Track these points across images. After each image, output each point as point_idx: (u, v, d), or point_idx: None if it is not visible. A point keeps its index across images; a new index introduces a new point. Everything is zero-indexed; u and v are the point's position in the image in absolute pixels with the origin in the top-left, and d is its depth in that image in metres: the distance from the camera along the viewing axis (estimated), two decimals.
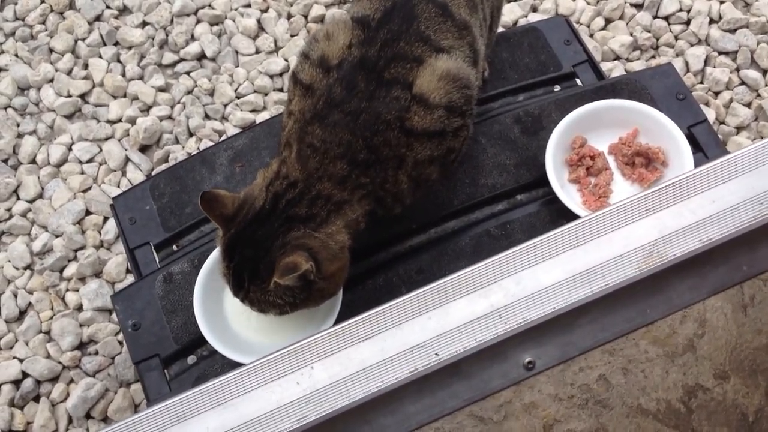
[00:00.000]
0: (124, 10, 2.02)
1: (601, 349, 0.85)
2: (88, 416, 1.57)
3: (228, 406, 0.81)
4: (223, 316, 1.19)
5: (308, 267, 0.98)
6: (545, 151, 1.27)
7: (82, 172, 1.82)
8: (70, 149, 1.84)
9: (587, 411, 0.84)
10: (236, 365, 1.07)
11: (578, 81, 1.49)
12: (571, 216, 1.20)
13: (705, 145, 1.30)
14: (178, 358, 1.21)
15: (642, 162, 1.27)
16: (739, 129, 1.84)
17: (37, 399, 1.60)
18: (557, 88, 1.49)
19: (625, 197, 0.90)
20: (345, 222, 1.06)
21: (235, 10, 2.00)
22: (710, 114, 1.83)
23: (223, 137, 1.82)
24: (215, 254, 1.17)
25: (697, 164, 1.22)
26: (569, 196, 1.25)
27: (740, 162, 0.89)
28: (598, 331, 0.85)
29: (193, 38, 1.97)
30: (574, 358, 0.85)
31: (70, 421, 1.57)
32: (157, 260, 1.36)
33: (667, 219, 0.86)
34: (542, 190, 1.29)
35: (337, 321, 1.11)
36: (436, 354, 0.82)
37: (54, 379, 1.61)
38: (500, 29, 1.86)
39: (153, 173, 1.80)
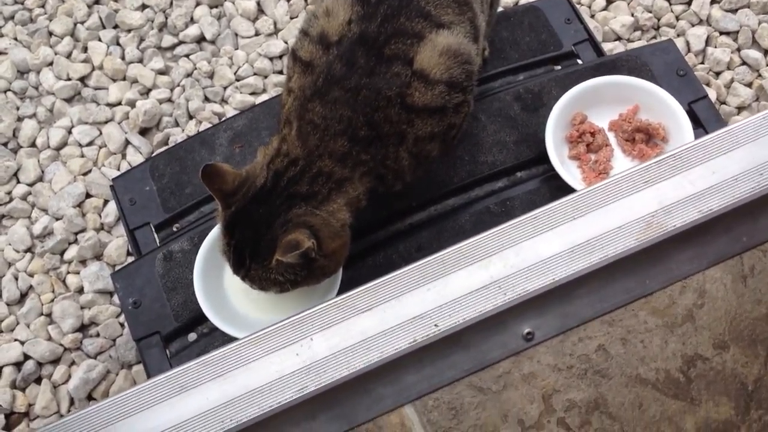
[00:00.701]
0: None
1: (600, 320, 0.85)
2: (89, 397, 1.58)
3: (228, 377, 0.82)
4: (223, 293, 1.19)
5: (310, 245, 0.99)
6: (545, 128, 1.27)
7: (82, 155, 1.82)
8: (69, 132, 1.84)
9: (586, 381, 0.84)
10: (236, 341, 1.08)
11: (579, 60, 1.49)
12: (571, 192, 1.20)
13: (705, 121, 1.30)
14: (178, 336, 1.22)
15: (642, 138, 1.27)
16: (740, 109, 1.84)
17: (38, 381, 1.60)
18: (558, 67, 1.49)
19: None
20: (346, 199, 1.06)
21: None
22: (711, 94, 1.83)
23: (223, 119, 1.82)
24: (215, 232, 1.18)
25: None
26: (569, 172, 1.25)
27: (741, 133, 0.89)
28: (597, 301, 0.86)
29: (192, 21, 1.96)
30: (574, 329, 0.85)
31: (71, 402, 1.58)
32: (158, 240, 1.36)
33: (666, 190, 0.87)
34: (542, 167, 1.29)
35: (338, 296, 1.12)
36: (436, 325, 0.83)
37: (55, 361, 1.61)
38: (501, 8, 1.88)
39: (153, 156, 1.80)
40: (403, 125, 1.07)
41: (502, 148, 1.30)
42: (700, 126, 1.30)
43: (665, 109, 1.26)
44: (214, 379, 0.81)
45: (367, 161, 1.06)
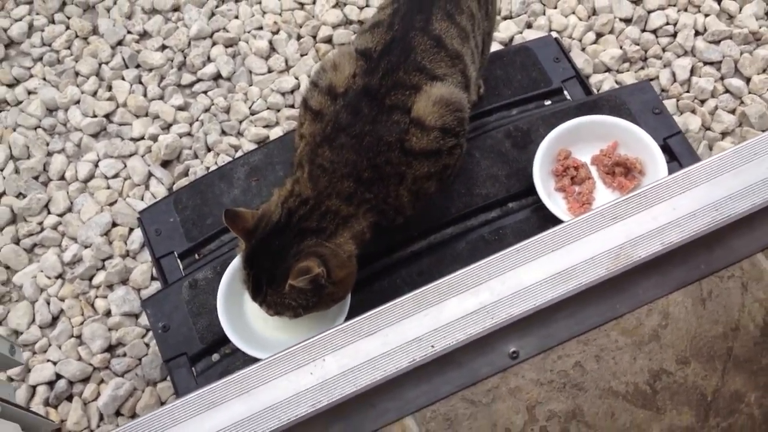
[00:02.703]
0: (144, 35, 2.12)
1: (577, 340, 0.96)
2: (117, 413, 1.66)
3: (251, 394, 0.92)
4: (244, 317, 1.29)
5: (319, 271, 1.09)
6: (533, 162, 1.37)
7: (108, 187, 1.91)
8: (96, 166, 1.94)
9: (565, 393, 0.94)
10: (256, 360, 1.19)
11: (567, 95, 1.60)
12: (557, 222, 1.31)
13: (680, 154, 1.40)
14: (203, 356, 1.31)
15: (621, 171, 1.37)
16: (724, 134, 1.92)
17: (70, 398, 1.68)
18: (548, 102, 1.59)
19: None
20: (352, 233, 1.16)
21: (248, 32, 2.10)
22: (696, 121, 1.92)
23: (239, 153, 1.92)
24: (236, 262, 1.28)
25: (671, 172, 1.33)
26: (555, 203, 1.35)
27: (697, 174, 1.00)
28: (573, 324, 0.96)
29: (209, 60, 2.07)
30: (553, 348, 0.96)
31: (101, 418, 1.66)
32: (182, 268, 1.46)
33: (633, 225, 0.97)
34: (531, 199, 1.39)
35: (346, 321, 1.23)
36: (432, 346, 0.94)
37: (85, 380, 1.70)
38: (495, 48, 1.99)
39: (174, 187, 1.89)
40: (402, 167, 1.17)
41: (495, 181, 1.40)
42: (674, 159, 1.40)
43: (641, 144, 1.36)
44: (239, 396, 0.92)
45: (370, 199, 1.16)
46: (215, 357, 1.31)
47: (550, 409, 0.94)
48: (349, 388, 0.92)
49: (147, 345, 1.72)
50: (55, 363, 1.71)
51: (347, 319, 1.23)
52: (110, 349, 1.73)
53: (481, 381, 0.94)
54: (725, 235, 0.98)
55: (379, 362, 0.93)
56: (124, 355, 1.71)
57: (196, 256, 1.48)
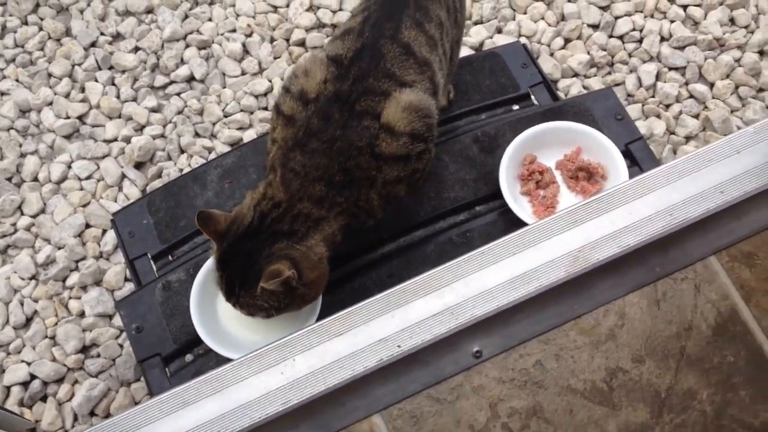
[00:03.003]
0: (117, 37, 2.12)
1: (537, 339, 1.00)
2: (92, 414, 1.66)
3: (224, 392, 0.96)
4: (217, 318, 1.31)
5: (290, 274, 1.11)
6: (500, 167, 1.40)
7: (82, 189, 1.91)
8: (69, 167, 1.94)
9: (526, 391, 0.98)
10: (229, 361, 1.21)
11: (534, 100, 1.64)
12: (523, 225, 1.34)
13: (641, 159, 1.44)
14: (177, 357, 1.33)
15: (584, 176, 1.41)
16: (687, 138, 1.96)
17: (44, 399, 1.68)
18: (515, 107, 1.63)
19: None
20: (323, 236, 1.19)
21: (222, 35, 2.11)
22: (661, 125, 1.96)
23: (213, 155, 1.93)
24: (208, 264, 1.30)
25: (632, 177, 1.37)
26: (521, 207, 1.39)
27: (653, 180, 1.04)
28: (534, 324, 1.00)
29: (182, 62, 2.07)
30: (515, 347, 1.00)
31: (75, 418, 1.66)
32: (155, 270, 1.47)
33: (591, 228, 1.02)
34: (498, 202, 1.42)
35: (317, 322, 1.26)
36: (399, 346, 0.97)
37: (60, 380, 1.70)
38: (465, 52, 2.02)
39: (147, 188, 1.90)
40: (372, 171, 1.20)
41: (463, 185, 1.44)
42: (636, 164, 1.45)
43: (603, 150, 1.40)
44: (212, 395, 0.95)
45: (341, 203, 1.20)
46: (188, 357, 1.33)
47: (511, 406, 0.98)
48: (318, 387, 0.95)
49: (121, 346, 1.72)
50: (29, 364, 1.71)
51: (319, 319, 1.26)
52: (84, 349, 1.73)
53: (445, 379, 0.98)
54: (679, 238, 1.03)
55: (348, 362, 0.96)
56: (98, 355, 1.72)
57: (170, 257, 1.50)
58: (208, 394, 0.95)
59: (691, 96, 2.02)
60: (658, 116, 1.98)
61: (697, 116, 1.99)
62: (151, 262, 1.49)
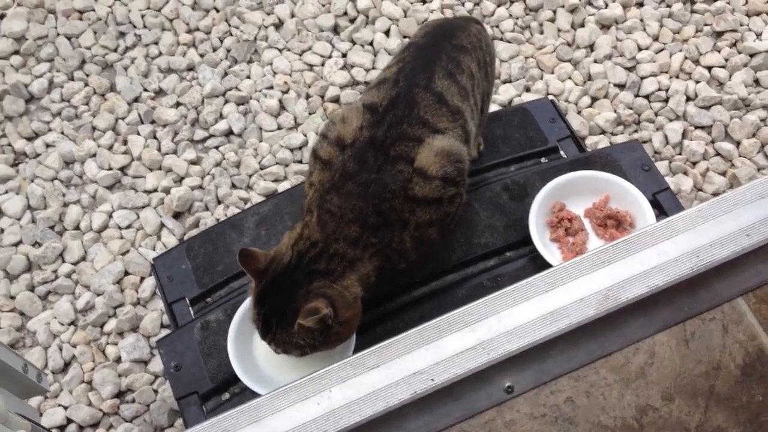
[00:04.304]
0: (159, 92, 2.21)
1: (569, 376, 1.01)
2: None
3: (262, 422, 0.98)
4: (253, 357, 1.34)
5: (327, 312, 1.15)
6: (529, 214, 1.44)
7: (121, 237, 1.97)
8: (110, 216, 2.00)
9: (557, 427, 1.00)
10: None
11: (563, 153, 1.68)
12: None
13: (668, 209, 1.47)
14: (214, 395, 1.36)
15: (613, 224, 1.44)
16: (715, 195, 1.99)
17: None
18: (544, 159, 1.67)
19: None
20: (358, 276, 1.22)
21: (259, 91, 2.19)
22: (689, 182, 1.99)
23: (249, 204, 1.99)
24: (245, 305, 1.34)
25: None
26: (550, 253, 1.41)
27: (680, 223, 1.07)
28: (565, 361, 1.02)
29: (221, 117, 2.15)
30: (547, 383, 1.01)
31: None
32: (192, 313, 1.51)
33: (620, 269, 1.04)
34: (528, 248, 1.45)
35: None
36: (432, 379, 0.99)
37: (95, 425, 1.72)
38: (496, 108, 2.08)
39: (185, 237, 1.96)
40: (406, 214, 1.24)
41: (493, 231, 1.47)
42: (663, 213, 1.47)
43: (631, 199, 1.43)
44: (251, 424, 0.97)
45: (375, 244, 1.23)
46: (225, 396, 1.36)
47: None
48: (354, 418, 0.97)
49: (155, 391, 1.75)
50: (66, 408, 1.74)
51: None
52: (120, 395, 1.76)
53: (478, 414, 1.00)
54: (707, 280, 1.05)
55: (382, 394, 0.98)
56: (133, 401, 1.75)
57: (207, 301, 1.53)
58: (247, 423, 0.97)
59: (718, 154, 2.05)
60: (685, 173, 2.01)
61: (724, 173, 2.02)
62: (189, 305, 1.53)
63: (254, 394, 1.28)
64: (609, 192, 1.47)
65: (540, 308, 1.02)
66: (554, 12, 2.30)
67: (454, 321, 1.03)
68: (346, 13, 2.31)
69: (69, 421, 1.73)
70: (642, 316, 1.03)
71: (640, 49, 2.22)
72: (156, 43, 2.30)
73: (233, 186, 2.04)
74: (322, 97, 2.19)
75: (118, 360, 1.80)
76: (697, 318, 1.04)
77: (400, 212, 1.24)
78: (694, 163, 2.04)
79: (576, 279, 1.04)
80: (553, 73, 2.21)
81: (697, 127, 2.09)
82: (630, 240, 1.06)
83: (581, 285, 1.03)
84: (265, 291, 1.21)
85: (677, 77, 2.18)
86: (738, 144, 2.06)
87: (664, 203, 1.48)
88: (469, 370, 1.00)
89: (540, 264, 1.41)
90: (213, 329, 1.39)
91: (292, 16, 2.33)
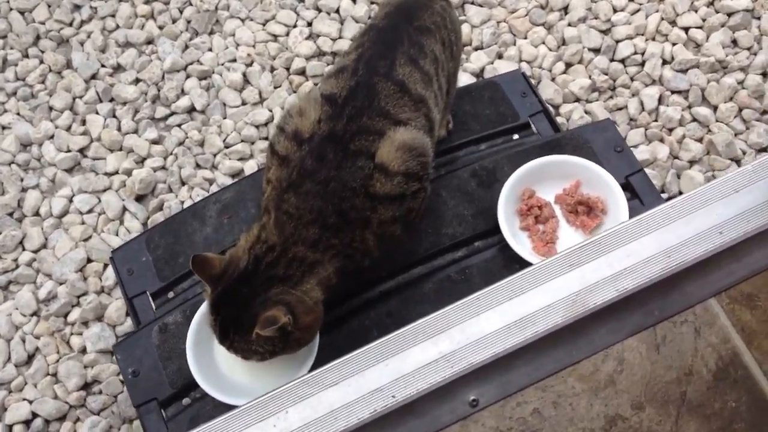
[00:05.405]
0: (118, 68, 2.13)
1: (535, 387, 0.98)
2: None
3: None
4: (213, 361, 1.30)
5: (286, 320, 1.10)
6: (498, 202, 1.39)
7: (83, 223, 1.91)
8: (71, 201, 1.94)
9: None
10: (226, 405, 1.20)
11: (534, 129, 1.63)
12: (522, 261, 1.34)
13: (641, 192, 1.43)
14: (174, 401, 1.32)
15: (584, 210, 1.39)
16: (691, 163, 1.95)
17: None
18: (516, 136, 1.62)
19: (570, 242, 1.01)
20: (318, 279, 1.18)
21: (222, 65, 2.12)
22: (665, 150, 1.95)
23: (214, 186, 1.93)
24: (204, 306, 1.29)
25: (633, 210, 1.36)
26: (520, 242, 1.37)
27: (650, 221, 1.03)
28: (531, 371, 0.98)
29: (183, 93, 2.08)
30: (512, 395, 0.98)
31: None
32: (154, 307, 1.46)
33: (588, 272, 1.00)
34: (497, 238, 1.40)
35: (315, 362, 1.25)
36: (393, 396, 0.96)
37: (62, 418, 1.69)
38: (467, 77, 2.02)
39: (149, 221, 1.90)
40: (367, 212, 1.19)
41: (461, 221, 1.43)
42: (636, 196, 1.43)
43: (603, 184, 1.39)
44: None
45: (336, 245, 1.18)
46: (186, 401, 1.32)
47: None
48: None
49: (122, 382, 1.71)
50: (31, 402, 1.71)
51: (315, 360, 1.25)
52: (86, 386, 1.73)
53: (441, 430, 0.96)
54: (678, 281, 1.01)
55: (341, 413, 0.95)
56: (100, 392, 1.72)
57: (170, 295, 1.49)
58: None
59: (695, 119, 2.01)
60: (662, 140, 1.98)
61: (700, 140, 1.98)
62: (150, 299, 1.48)
63: (215, 400, 1.24)
64: (580, 177, 1.42)
65: (505, 317, 0.99)
66: None
67: (416, 333, 0.99)
68: None
69: (34, 415, 1.70)
70: (611, 322, 0.99)
71: (615, 11, 2.16)
72: (113, 16, 2.21)
73: (197, 166, 1.99)
74: (288, 69, 2.12)
75: (84, 351, 1.77)
76: (668, 321, 1.00)
77: (362, 211, 1.20)
78: (671, 130, 2.00)
79: (543, 284, 1.00)
80: (526, 38, 2.15)
81: (673, 92, 2.04)
82: (598, 241, 1.01)
83: (548, 290, 0.99)
84: (221, 298, 1.17)
85: (653, 39, 2.12)
86: (715, 109, 2.02)
87: (636, 185, 1.43)
88: (431, 384, 0.96)
89: (509, 255, 1.36)
90: (171, 332, 1.35)
91: None
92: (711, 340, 1.00)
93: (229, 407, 0.99)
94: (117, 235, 1.91)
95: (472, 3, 2.20)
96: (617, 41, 2.11)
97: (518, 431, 0.97)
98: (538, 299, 0.99)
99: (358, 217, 1.19)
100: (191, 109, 2.07)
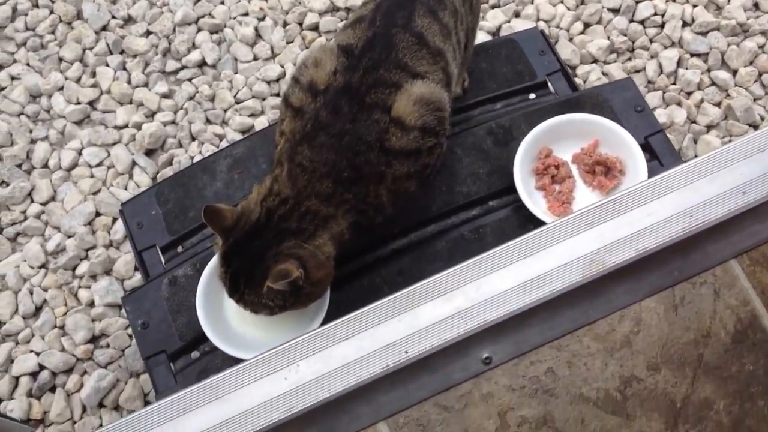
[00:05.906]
0: (129, 20, 2.10)
1: (549, 345, 0.97)
2: (100, 405, 1.66)
3: (226, 399, 0.93)
4: (223, 315, 1.29)
5: (298, 274, 1.09)
6: (514, 160, 1.36)
7: (92, 176, 1.90)
8: (80, 154, 1.92)
9: (537, 399, 0.95)
10: (235, 359, 1.19)
11: (551, 88, 1.59)
12: (537, 221, 1.31)
13: (660, 153, 1.40)
14: (183, 354, 1.31)
15: (602, 170, 1.37)
16: (709, 128, 1.91)
17: (53, 389, 1.68)
18: (532, 95, 1.59)
19: (586, 203, 0.99)
20: (331, 234, 1.16)
21: (234, 18, 2.08)
22: (682, 114, 1.92)
23: (224, 142, 1.91)
24: (214, 260, 1.28)
25: (652, 171, 1.33)
26: (535, 202, 1.35)
27: (672, 180, 1.00)
28: (546, 329, 0.97)
29: (194, 46, 2.05)
30: (526, 354, 0.96)
31: (84, 409, 1.66)
32: (163, 261, 1.46)
33: (607, 231, 0.98)
34: (512, 197, 1.38)
35: (325, 319, 1.23)
36: (406, 352, 0.94)
37: (69, 371, 1.69)
38: (483, 37, 1.98)
39: (158, 176, 1.88)
40: (382, 167, 1.17)
41: (476, 179, 1.40)
42: (655, 158, 1.40)
43: (622, 143, 1.36)
44: (214, 401, 0.92)
45: (349, 200, 1.17)
46: (195, 354, 1.31)
47: (521, 414, 0.95)
48: (322, 394, 0.92)
49: (130, 336, 1.71)
50: (38, 354, 1.70)
51: (326, 315, 1.24)
52: (93, 340, 1.72)
53: (453, 386, 0.95)
54: (699, 241, 0.99)
55: (353, 368, 0.93)
56: (108, 346, 1.71)
57: (179, 249, 1.48)
58: (210, 400, 0.92)
59: (713, 83, 1.97)
60: (679, 104, 1.94)
61: (719, 104, 1.95)
62: (160, 253, 1.48)
63: (225, 354, 1.24)
64: (599, 136, 1.39)
65: (521, 275, 0.97)
66: None
67: (430, 289, 0.97)
68: None
69: (41, 367, 1.70)
70: (629, 281, 0.98)
71: None
72: None
73: (207, 121, 1.96)
74: (301, 24, 2.08)
75: (91, 304, 1.76)
76: (687, 282, 0.98)
77: (376, 165, 1.17)
78: (689, 94, 1.96)
79: (560, 242, 0.97)
80: None
81: (693, 55, 2.00)
82: (618, 199, 0.99)
83: (565, 249, 0.97)
84: (232, 250, 1.15)
85: (674, 0, 2.07)
86: (735, 73, 1.98)
87: (656, 147, 1.40)
88: (444, 341, 0.95)
89: (524, 214, 1.34)
90: (181, 285, 1.34)
91: None
92: (730, 302, 0.98)
93: (238, 361, 0.98)
94: (126, 189, 1.89)
95: None
96: (637, 2, 2.06)
97: (531, 390, 0.95)
98: (554, 258, 0.97)
99: (373, 171, 1.17)
100: (202, 64, 2.04)
